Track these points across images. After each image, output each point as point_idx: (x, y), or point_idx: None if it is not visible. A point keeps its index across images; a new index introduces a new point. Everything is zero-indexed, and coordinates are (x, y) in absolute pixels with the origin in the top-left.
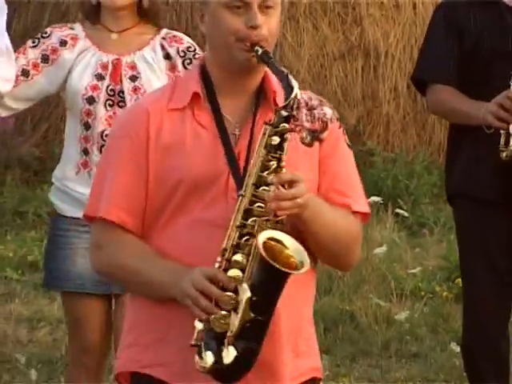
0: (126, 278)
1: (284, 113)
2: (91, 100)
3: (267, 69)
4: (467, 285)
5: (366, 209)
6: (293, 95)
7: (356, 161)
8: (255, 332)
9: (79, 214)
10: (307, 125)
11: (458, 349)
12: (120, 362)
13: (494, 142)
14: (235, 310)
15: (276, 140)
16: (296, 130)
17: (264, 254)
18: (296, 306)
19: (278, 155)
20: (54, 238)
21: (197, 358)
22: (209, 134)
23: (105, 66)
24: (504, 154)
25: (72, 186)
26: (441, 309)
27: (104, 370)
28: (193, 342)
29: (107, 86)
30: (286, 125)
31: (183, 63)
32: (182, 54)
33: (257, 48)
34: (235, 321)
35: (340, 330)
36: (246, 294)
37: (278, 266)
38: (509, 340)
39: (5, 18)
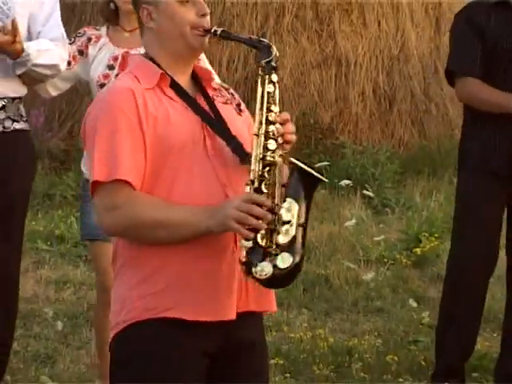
0: (149, 230)
1: (273, 64)
2: (103, 86)
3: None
4: (458, 239)
5: None
6: (274, 51)
7: (330, 152)
8: (301, 241)
9: None
10: (233, 100)
11: (414, 304)
12: (135, 313)
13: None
14: (280, 224)
15: (271, 87)
16: (228, 102)
17: (301, 165)
18: None
19: (274, 100)
20: (84, 197)
21: (254, 271)
22: (179, 106)
23: (115, 58)
24: None
25: None
26: (400, 273)
27: None
28: (243, 260)
29: (116, 75)
30: (276, 76)
31: None
32: None
33: (215, 29)
34: (290, 230)
35: (316, 291)
36: (294, 205)
37: (314, 172)
38: (486, 289)
39: (59, 11)
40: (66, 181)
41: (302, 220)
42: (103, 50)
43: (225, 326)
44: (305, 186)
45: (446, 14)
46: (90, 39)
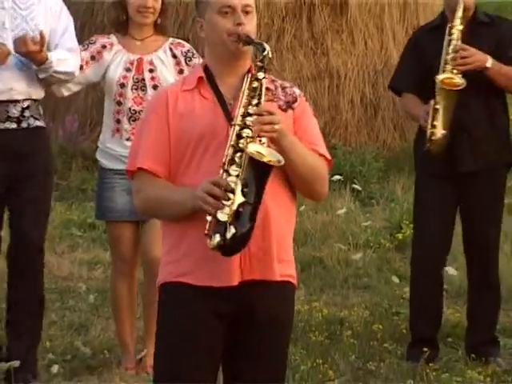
0: (159, 207)
1: (260, 64)
2: (122, 85)
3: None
4: (419, 226)
5: (328, 156)
6: (265, 53)
7: None
8: (249, 214)
9: (116, 166)
10: (282, 98)
11: (397, 281)
12: (160, 277)
13: None
14: (233, 202)
15: (255, 84)
16: (274, 100)
17: (253, 154)
18: (281, 219)
19: (257, 95)
20: (100, 184)
21: (208, 241)
22: (210, 103)
23: (131, 63)
24: (428, 142)
25: (110, 146)
26: (384, 254)
27: (135, 278)
28: (206, 232)
29: (133, 76)
30: (262, 74)
31: (185, 60)
32: (184, 54)
33: (245, 37)
34: (232, 206)
35: (312, 270)
36: (238, 186)
37: (262, 160)
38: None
39: (73, 25)
40: (96, 177)
41: (250, 199)
42: (118, 55)
43: (233, 291)
44: (256, 169)
45: None
46: (104, 46)
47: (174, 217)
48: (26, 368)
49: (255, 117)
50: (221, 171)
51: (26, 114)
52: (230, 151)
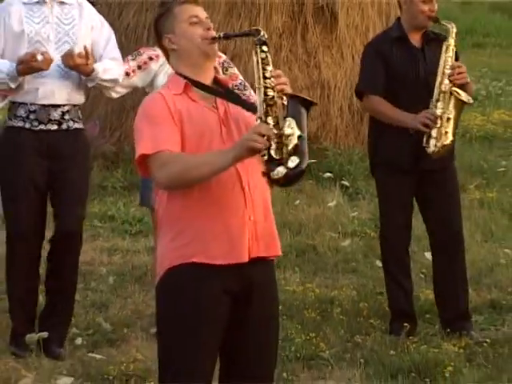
0: (185, 172)
1: (262, 39)
2: None
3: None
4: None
5: None
6: (261, 33)
7: (316, 154)
8: (304, 147)
9: None
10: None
11: (380, 264)
12: (167, 263)
13: (407, 134)
14: (286, 140)
15: (263, 54)
16: None
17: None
18: (269, 199)
19: (268, 62)
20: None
21: (272, 174)
22: (200, 106)
23: None
24: (430, 150)
25: None
26: (369, 242)
27: None
28: (263, 171)
29: None
30: (265, 47)
31: (222, 70)
32: (221, 65)
33: (218, 35)
34: (291, 140)
35: (306, 256)
36: (292, 121)
37: (306, 97)
38: (407, 251)
39: (114, 37)
40: (115, 175)
41: (301, 132)
42: (164, 65)
43: (241, 268)
44: (298, 106)
45: None
46: (151, 58)
47: (200, 178)
48: (57, 341)
49: (272, 79)
50: (258, 121)
51: (66, 117)
52: (263, 106)
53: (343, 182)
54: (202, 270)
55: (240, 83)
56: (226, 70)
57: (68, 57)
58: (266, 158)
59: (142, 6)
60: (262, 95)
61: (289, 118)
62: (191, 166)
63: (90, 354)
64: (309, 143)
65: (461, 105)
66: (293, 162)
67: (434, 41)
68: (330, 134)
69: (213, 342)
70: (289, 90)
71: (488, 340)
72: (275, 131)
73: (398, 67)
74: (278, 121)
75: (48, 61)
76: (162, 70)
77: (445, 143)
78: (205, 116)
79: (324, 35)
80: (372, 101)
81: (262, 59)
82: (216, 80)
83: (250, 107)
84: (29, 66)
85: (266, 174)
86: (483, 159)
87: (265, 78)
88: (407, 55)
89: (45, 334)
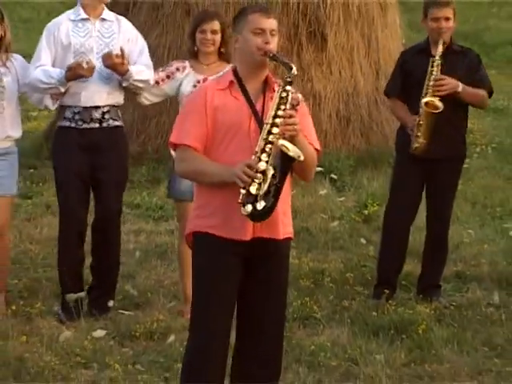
0: (198, 175)
1: (288, 79)
2: None
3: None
4: (393, 195)
5: (319, 148)
6: (293, 71)
7: None
8: (274, 193)
9: None
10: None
11: (364, 242)
12: (190, 226)
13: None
14: (264, 181)
15: (284, 94)
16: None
17: (282, 148)
18: (284, 195)
19: (284, 102)
20: (170, 172)
21: (242, 209)
22: (238, 102)
23: (198, 81)
24: (413, 147)
25: None
26: (355, 225)
27: None
28: (239, 201)
29: None
30: (289, 87)
31: None
32: None
33: (270, 53)
34: (264, 186)
35: (301, 236)
36: (270, 171)
37: (288, 153)
38: (408, 230)
39: (147, 48)
40: (140, 171)
41: (275, 181)
42: (189, 75)
43: (245, 244)
44: (283, 160)
45: (382, 67)
46: (178, 69)
47: (209, 183)
48: (101, 306)
49: (282, 119)
50: (253, 157)
51: (106, 116)
52: (262, 143)
53: (332, 175)
54: (213, 240)
55: None
56: None
57: (107, 56)
58: (244, 191)
59: (162, 30)
60: (266, 132)
61: (270, 167)
62: (203, 172)
63: (120, 311)
64: None
65: (431, 115)
66: (260, 204)
67: (458, 54)
68: (320, 137)
69: (227, 295)
70: (293, 133)
71: (454, 304)
72: (262, 168)
73: (420, 76)
74: (269, 160)
75: (91, 68)
76: (185, 78)
77: (417, 145)
78: (239, 110)
79: (316, 54)
80: (391, 102)
81: (281, 98)
82: (267, 79)
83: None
84: (75, 73)
85: (241, 205)
86: None
87: (275, 116)
88: (425, 65)
89: (82, 294)
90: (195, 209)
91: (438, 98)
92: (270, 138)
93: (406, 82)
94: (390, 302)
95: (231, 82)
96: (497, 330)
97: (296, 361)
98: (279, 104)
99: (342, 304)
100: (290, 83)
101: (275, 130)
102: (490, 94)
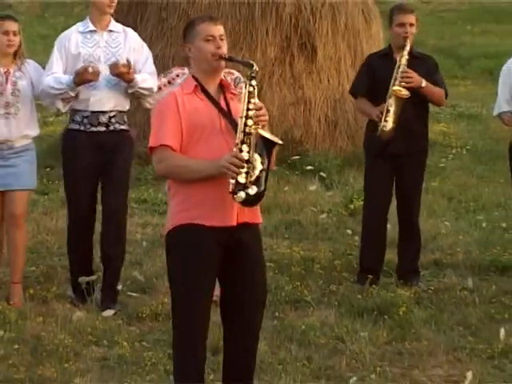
0: (179, 172)
1: (252, 75)
2: None
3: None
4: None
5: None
6: (254, 67)
7: (300, 153)
8: (264, 178)
9: None
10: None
11: (350, 232)
12: (175, 221)
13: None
14: (252, 169)
15: (251, 88)
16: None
17: (264, 135)
18: None
19: (253, 96)
20: None
21: (235, 197)
22: (205, 103)
23: None
24: (377, 134)
25: None
26: (342, 218)
27: None
28: (230, 191)
29: None
30: (254, 81)
31: (234, 84)
32: (233, 80)
33: (224, 55)
34: (254, 172)
35: (293, 228)
36: (257, 158)
37: (273, 139)
38: (385, 222)
39: (151, 57)
40: (147, 170)
41: (263, 167)
42: None
43: (230, 230)
44: (266, 146)
45: None
46: (178, 75)
47: (190, 180)
48: (110, 290)
49: (254, 111)
50: (234, 149)
51: (113, 120)
52: (241, 135)
53: (321, 174)
54: (200, 229)
55: (236, 77)
56: (237, 84)
57: (114, 66)
58: (233, 181)
59: (167, 42)
60: (242, 125)
61: (256, 154)
62: (188, 169)
63: (128, 293)
64: (295, 146)
65: (400, 100)
66: (252, 190)
67: (418, 59)
68: (310, 139)
69: (208, 280)
70: (264, 122)
71: (432, 288)
72: (246, 158)
73: (382, 77)
74: (250, 149)
75: (97, 73)
76: None
77: (384, 129)
78: (208, 111)
79: (306, 64)
80: (358, 101)
81: (249, 92)
82: (221, 83)
83: (235, 126)
84: (82, 78)
85: (232, 194)
86: (428, 159)
87: (248, 109)
88: (388, 66)
89: (93, 277)
90: (176, 205)
91: (404, 89)
92: (247, 129)
93: (371, 83)
94: (373, 286)
95: (196, 87)
96: (470, 311)
97: (288, 339)
98: (249, 98)
99: (330, 288)
100: (254, 78)
101: (250, 122)
102: (446, 96)
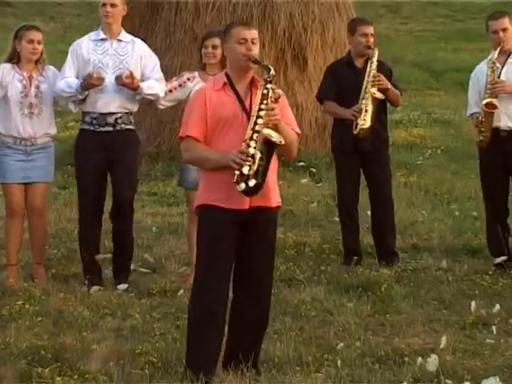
0: (201, 161)
1: (268, 79)
2: None
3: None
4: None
5: (298, 131)
6: (271, 72)
7: None
8: (263, 172)
9: None
10: (272, 95)
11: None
12: (200, 200)
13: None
14: (253, 163)
15: (265, 91)
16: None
17: (266, 135)
18: (271, 170)
19: (266, 98)
20: (184, 165)
21: (237, 186)
22: (231, 99)
23: None
24: (355, 132)
25: None
26: (329, 208)
27: None
28: (234, 180)
29: None
30: (270, 85)
31: None
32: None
33: (253, 59)
34: (254, 167)
35: (287, 216)
36: (258, 154)
37: (271, 139)
38: (356, 209)
39: (159, 63)
40: (156, 167)
41: (263, 163)
42: (198, 84)
43: (243, 212)
44: (267, 145)
45: None
46: (188, 78)
47: (210, 168)
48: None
49: (265, 111)
50: (243, 144)
51: (119, 121)
52: (250, 132)
53: (311, 169)
54: (218, 210)
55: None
56: None
57: (118, 78)
58: (237, 172)
59: (174, 53)
60: (253, 123)
61: (258, 152)
62: (206, 159)
63: (139, 269)
64: None
65: (375, 101)
66: (252, 182)
67: (377, 65)
68: (302, 140)
69: (227, 253)
70: (274, 123)
71: (411, 268)
72: (252, 153)
73: (346, 81)
74: (257, 146)
75: (100, 79)
76: (195, 86)
77: (363, 127)
78: (232, 106)
79: (298, 73)
80: (327, 104)
81: (263, 94)
82: (253, 80)
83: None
84: (88, 83)
85: (235, 183)
86: (407, 158)
87: (260, 109)
88: (351, 75)
89: (108, 255)
90: (202, 187)
91: (378, 91)
92: (257, 127)
93: (335, 86)
94: (358, 266)
95: (224, 84)
96: (445, 288)
97: (282, 313)
98: (262, 99)
99: (319, 268)
100: (270, 82)
101: (260, 120)
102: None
